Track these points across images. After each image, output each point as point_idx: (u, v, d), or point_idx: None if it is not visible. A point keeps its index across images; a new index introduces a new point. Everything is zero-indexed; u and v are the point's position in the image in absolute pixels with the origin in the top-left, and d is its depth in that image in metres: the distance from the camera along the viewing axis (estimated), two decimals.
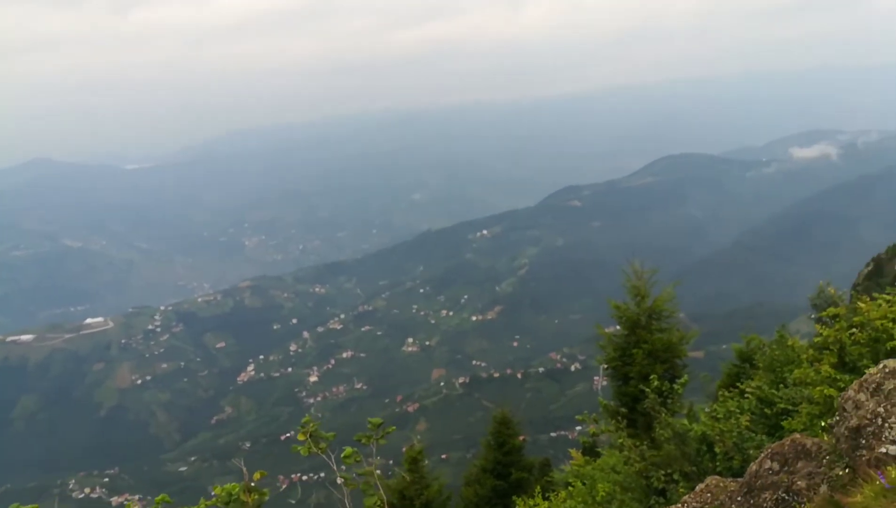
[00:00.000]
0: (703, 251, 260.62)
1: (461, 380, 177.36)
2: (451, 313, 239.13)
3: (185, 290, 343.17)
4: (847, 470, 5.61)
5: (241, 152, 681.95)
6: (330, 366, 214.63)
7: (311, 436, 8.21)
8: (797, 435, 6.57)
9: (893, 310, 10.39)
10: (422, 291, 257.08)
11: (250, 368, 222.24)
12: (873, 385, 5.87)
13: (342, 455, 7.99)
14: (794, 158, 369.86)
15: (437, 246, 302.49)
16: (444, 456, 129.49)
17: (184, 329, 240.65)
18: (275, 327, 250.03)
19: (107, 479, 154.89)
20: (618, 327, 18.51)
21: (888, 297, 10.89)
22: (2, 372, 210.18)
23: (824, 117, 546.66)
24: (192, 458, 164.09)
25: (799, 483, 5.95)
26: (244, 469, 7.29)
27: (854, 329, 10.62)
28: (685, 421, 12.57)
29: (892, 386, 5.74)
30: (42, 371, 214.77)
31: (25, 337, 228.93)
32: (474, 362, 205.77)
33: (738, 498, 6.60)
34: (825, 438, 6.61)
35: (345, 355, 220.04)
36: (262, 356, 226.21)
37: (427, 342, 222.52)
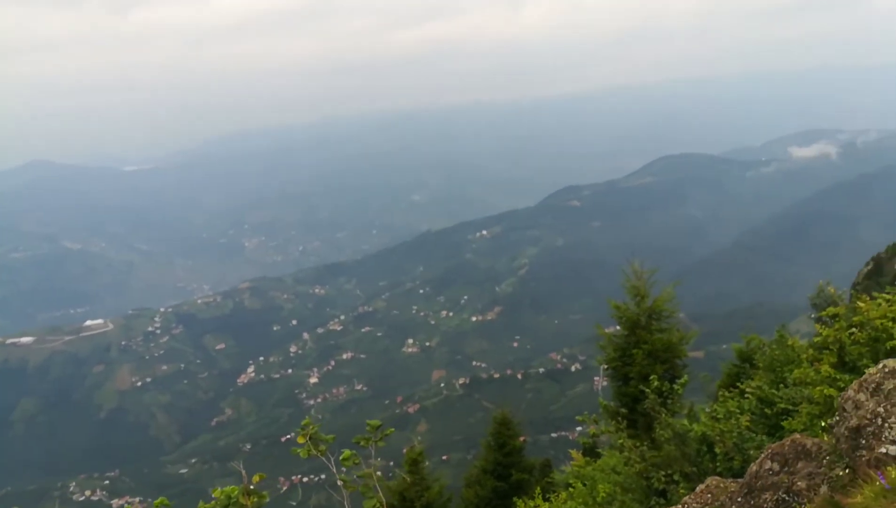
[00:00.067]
0: (703, 251, 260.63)
1: (461, 381, 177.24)
2: (451, 314, 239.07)
3: (185, 292, 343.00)
4: (847, 471, 5.60)
5: (241, 153, 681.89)
6: (330, 367, 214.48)
7: (310, 439, 8.20)
8: (797, 436, 6.57)
9: (893, 309, 10.38)
10: (422, 291, 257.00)
11: (250, 369, 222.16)
12: (873, 385, 5.87)
13: (341, 458, 7.98)
14: (793, 158, 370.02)
15: (436, 247, 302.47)
16: (444, 457, 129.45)
17: (184, 331, 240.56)
18: (275, 328, 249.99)
19: (107, 481, 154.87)
20: (618, 327, 18.50)
21: (888, 296, 10.88)
22: (1, 375, 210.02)
23: (824, 117, 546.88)
24: (193, 460, 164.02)
25: (799, 483, 5.94)
26: (243, 472, 7.28)
27: (854, 329, 10.61)
28: (685, 422, 12.56)
29: (891, 386, 5.73)
30: (42, 374, 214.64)
31: (25, 339, 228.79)
32: (474, 362, 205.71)
33: (739, 499, 6.59)
34: (825, 438, 6.61)
35: (345, 356, 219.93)
36: (262, 358, 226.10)
37: (427, 343, 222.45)
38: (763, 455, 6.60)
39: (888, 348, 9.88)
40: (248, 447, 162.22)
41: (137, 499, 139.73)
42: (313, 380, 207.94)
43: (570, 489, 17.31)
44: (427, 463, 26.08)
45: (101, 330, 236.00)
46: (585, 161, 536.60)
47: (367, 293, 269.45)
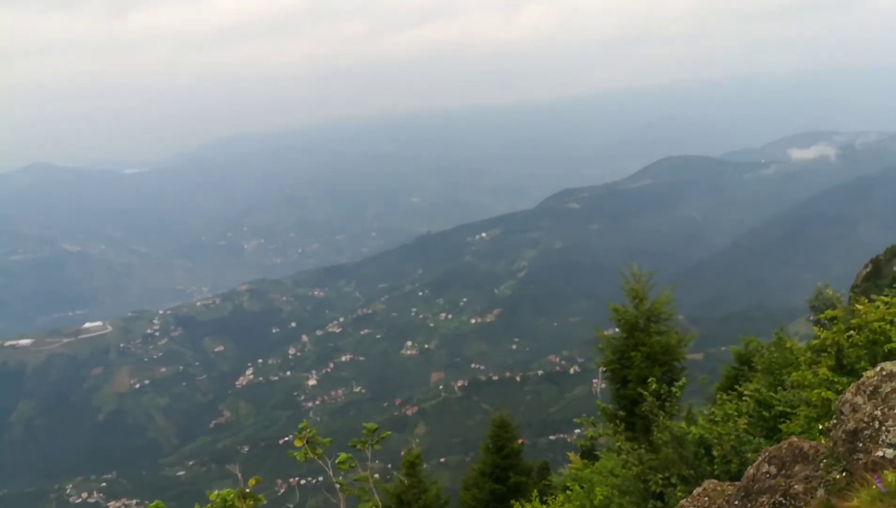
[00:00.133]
0: (702, 253, 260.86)
1: (460, 383, 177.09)
2: (450, 316, 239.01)
3: (184, 294, 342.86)
4: (844, 474, 5.59)
5: (240, 156, 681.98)
6: (329, 370, 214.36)
7: (307, 442, 8.19)
8: (795, 439, 6.56)
9: (891, 312, 10.36)
10: (421, 294, 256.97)
11: (249, 372, 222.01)
12: (870, 388, 5.85)
13: (337, 462, 7.97)
14: (792, 160, 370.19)
15: (435, 249, 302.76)
16: (442, 460, 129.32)
17: (182, 333, 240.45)
18: (273, 330, 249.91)
19: (104, 484, 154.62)
20: (616, 329, 18.50)
21: (886, 299, 10.88)
22: (0, 377, 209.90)
23: (822, 119, 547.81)
24: (191, 462, 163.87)
25: (796, 486, 5.93)
26: (239, 476, 7.27)
27: (852, 332, 10.60)
28: (683, 424, 12.55)
29: (889, 389, 5.71)
30: (40, 376, 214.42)
31: (24, 342, 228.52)
32: (473, 365, 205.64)
33: (736, 502, 6.57)
34: (823, 441, 6.60)
35: (344, 358, 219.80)
36: (260, 360, 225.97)
37: (426, 346, 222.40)
38: (760, 458, 6.59)
39: (886, 350, 9.87)
40: (247, 449, 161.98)
41: (134, 502, 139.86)
42: (312, 382, 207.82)
43: (568, 491, 17.29)
44: (425, 466, 26.08)
45: (99, 332, 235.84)
46: (584, 164, 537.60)
47: (366, 296, 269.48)
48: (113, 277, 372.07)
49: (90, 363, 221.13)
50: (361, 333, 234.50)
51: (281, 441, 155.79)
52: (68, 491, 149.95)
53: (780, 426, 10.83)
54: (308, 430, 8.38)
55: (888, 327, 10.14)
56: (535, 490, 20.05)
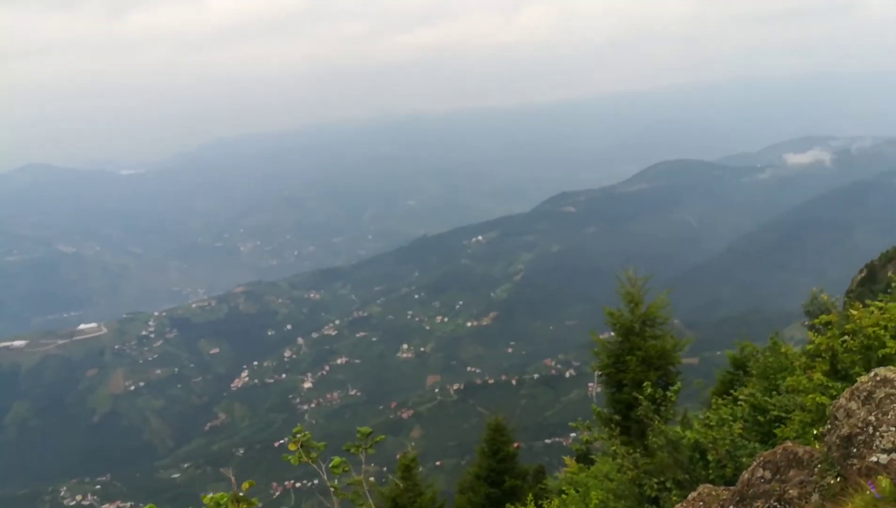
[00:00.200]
0: (698, 258, 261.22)
1: (456, 386, 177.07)
2: (446, 319, 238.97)
3: (180, 296, 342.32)
4: (838, 479, 5.59)
5: (237, 157, 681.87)
6: (324, 372, 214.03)
7: (302, 446, 8.16)
8: (789, 443, 6.56)
9: (885, 317, 10.37)
10: (417, 297, 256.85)
11: (244, 374, 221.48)
12: (864, 394, 5.86)
13: (330, 466, 7.94)
14: (787, 165, 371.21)
15: (432, 252, 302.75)
16: (438, 463, 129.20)
17: (178, 335, 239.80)
18: (269, 333, 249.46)
19: (98, 486, 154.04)
20: (612, 333, 18.51)
21: (880, 304, 10.89)
22: None
23: (818, 123, 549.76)
24: (186, 465, 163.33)
25: (791, 491, 5.93)
26: (232, 479, 7.24)
27: (846, 337, 10.60)
28: (678, 429, 12.54)
29: (883, 395, 5.72)
30: (35, 377, 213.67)
31: (18, 343, 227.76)
32: (469, 368, 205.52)
33: (731, 507, 6.57)
34: (817, 446, 6.60)
35: (339, 361, 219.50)
36: (256, 363, 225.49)
37: (422, 348, 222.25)
38: (755, 463, 6.59)
39: (880, 356, 9.87)
40: (242, 451, 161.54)
41: (129, 504, 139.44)
42: (307, 385, 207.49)
43: (563, 495, 17.29)
44: (420, 469, 26.03)
45: (94, 334, 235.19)
46: (580, 167, 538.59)
47: (363, 298, 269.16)
48: (108, 278, 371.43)
49: (85, 365, 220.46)
50: (357, 336, 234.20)
51: (276, 444, 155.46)
52: (62, 494, 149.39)
53: (774, 431, 10.84)
54: (302, 434, 8.35)
55: (882, 332, 10.15)
56: (531, 494, 20.00)
